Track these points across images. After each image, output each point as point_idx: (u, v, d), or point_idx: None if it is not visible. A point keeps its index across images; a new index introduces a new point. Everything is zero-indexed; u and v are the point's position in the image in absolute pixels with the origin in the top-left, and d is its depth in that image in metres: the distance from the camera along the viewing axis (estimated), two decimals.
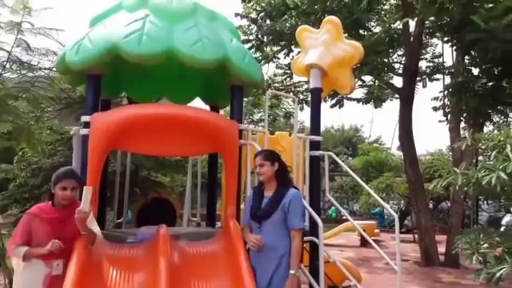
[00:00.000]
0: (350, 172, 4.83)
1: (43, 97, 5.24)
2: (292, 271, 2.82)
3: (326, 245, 11.12)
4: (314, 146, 4.79)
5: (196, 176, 5.41)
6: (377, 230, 12.97)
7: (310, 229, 4.71)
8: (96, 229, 2.90)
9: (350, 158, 28.89)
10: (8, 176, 6.57)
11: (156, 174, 10.53)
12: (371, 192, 4.65)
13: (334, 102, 9.38)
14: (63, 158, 6.03)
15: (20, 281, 2.78)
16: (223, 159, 3.64)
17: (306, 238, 3.93)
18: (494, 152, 4.32)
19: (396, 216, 4.12)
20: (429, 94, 11.40)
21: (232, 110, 3.89)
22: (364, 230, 12.72)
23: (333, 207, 24.66)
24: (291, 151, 4.67)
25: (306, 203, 4.45)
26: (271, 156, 3.14)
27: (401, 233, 16.20)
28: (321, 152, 4.76)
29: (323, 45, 4.54)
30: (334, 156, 4.74)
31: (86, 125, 3.35)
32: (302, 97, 10.55)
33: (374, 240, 12.36)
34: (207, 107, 5.02)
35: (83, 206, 2.67)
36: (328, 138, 32.95)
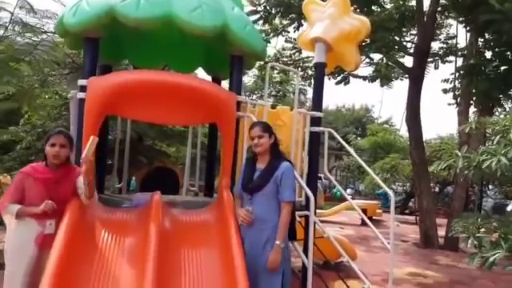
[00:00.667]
0: (350, 150, 4.79)
1: (46, 61, 5.24)
2: (277, 242, 2.83)
3: (326, 222, 11.25)
4: (315, 121, 4.75)
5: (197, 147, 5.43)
6: (379, 210, 13.03)
7: (306, 204, 4.73)
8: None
9: (358, 138, 28.77)
10: (14, 138, 6.67)
11: (161, 143, 10.62)
12: (368, 169, 4.61)
13: (339, 78, 9.24)
14: (66, 122, 6.08)
15: (13, 238, 2.83)
16: (220, 130, 3.62)
17: (300, 213, 3.95)
18: (498, 137, 4.25)
19: (392, 194, 4.10)
20: (441, 77, 11.15)
21: (231, 80, 3.85)
22: (366, 210, 12.84)
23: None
24: (292, 126, 4.63)
25: (301, 179, 4.46)
26: (269, 128, 3.12)
27: (404, 214, 16.32)
28: (321, 128, 4.72)
29: (329, 18, 4.43)
30: (334, 133, 4.69)
31: (83, 88, 3.34)
32: (310, 72, 10.40)
33: (375, 220, 12.49)
34: (209, 78, 4.99)
35: (87, 153, 2.68)
36: (339, 117, 32.78)
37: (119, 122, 4.89)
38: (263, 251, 2.87)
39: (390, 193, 4.12)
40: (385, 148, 18.53)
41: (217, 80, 4.86)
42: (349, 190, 24.89)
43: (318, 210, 11.73)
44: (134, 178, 9.27)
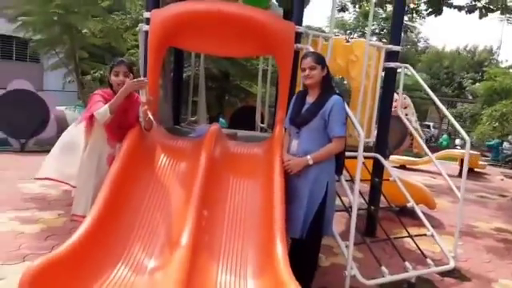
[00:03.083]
0: (429, 91, 4.27)
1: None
2: (308, 157, 2.80)
3: (418, 171, 10.60)
4: (392, 56, 4.39)
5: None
6: (482, 162, 11.88)
7: (376, 146, 4.52)
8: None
9: (477, 84, 25.78)
10: None
11: (251, 82, 10.82)
12: (447, 113, 4.13)
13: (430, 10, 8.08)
14: None
15: (89, 156, 3.12)
16: (277, 63, 3.54)
17: (365, 154, 3.80)
18: None
19: (468, 138, 3.68)
20: None
21: (291, 9, 3.67)
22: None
23: (445, 135, 22.87)
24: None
25: (372, 119, 4.22)
26: (322, 59, 2.95)
27: None
28: (396, 64, 4.36)
29: None
30: (411, 69, 4.28)
31: (147, 21, 3.49)
32: (412, 6, 9.41)
33: (477, 172, 11.42)
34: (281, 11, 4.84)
35: (146, 96, 2.93)
36: (455, 60, 29.60)
37: (193, 57, 5.05)
38: (307, 184, 2.84)
39: (466, 136, 3.70)
40: (501, 94, 16.35)
41: (288, 13, 4.69)
42: (458, 141, 22.91)
43: (412, 158, 11.10)
44: (222, 116, 9.71)
